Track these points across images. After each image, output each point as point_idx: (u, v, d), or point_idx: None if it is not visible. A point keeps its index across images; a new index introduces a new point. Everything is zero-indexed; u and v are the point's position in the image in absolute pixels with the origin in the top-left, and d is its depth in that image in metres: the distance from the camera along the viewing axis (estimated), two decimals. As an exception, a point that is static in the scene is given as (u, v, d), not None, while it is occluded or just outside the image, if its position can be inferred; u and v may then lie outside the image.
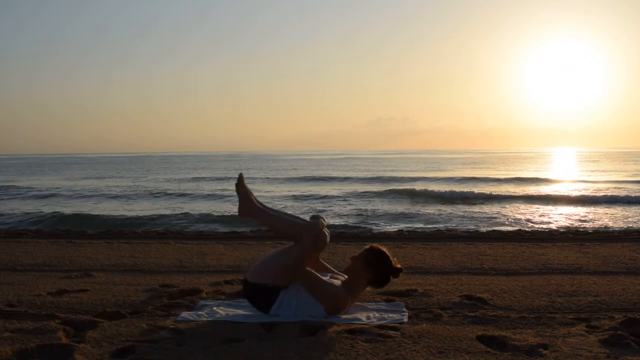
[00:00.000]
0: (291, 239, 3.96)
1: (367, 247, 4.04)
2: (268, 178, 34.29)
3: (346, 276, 4.03)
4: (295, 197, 21.96)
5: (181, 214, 16.96)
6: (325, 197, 22.06)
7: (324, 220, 3.94)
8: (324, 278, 3.90)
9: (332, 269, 4.27)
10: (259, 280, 3.82)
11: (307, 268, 3.87)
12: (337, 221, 14.71)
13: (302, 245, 3.82)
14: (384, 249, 3.99)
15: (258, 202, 4.12)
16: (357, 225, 13.61)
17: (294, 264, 3.79)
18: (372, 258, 3.93)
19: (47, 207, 18.96)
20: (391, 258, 3.97)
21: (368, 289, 4.07)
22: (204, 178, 35.95)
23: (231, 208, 18.66)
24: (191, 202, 21.37)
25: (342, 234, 8.89)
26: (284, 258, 3.84)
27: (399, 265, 3.99)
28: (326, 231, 3.90)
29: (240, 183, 4.11)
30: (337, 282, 3.95)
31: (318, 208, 18.53)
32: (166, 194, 24.46)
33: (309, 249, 3.83)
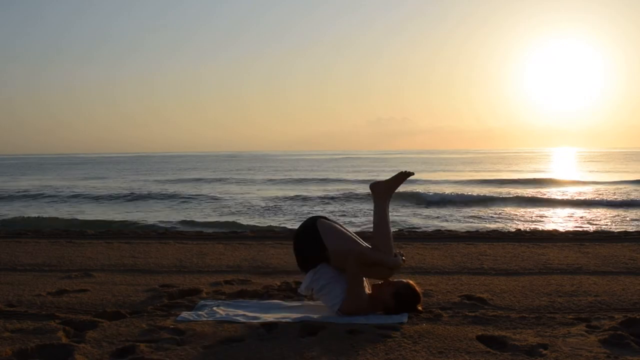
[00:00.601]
0: (376, 247, 3.96)
1: (405, 281, 3.98)
2: (272, 180, 34.03)
3: (371, 289, 4.02)
4: (301, 198, 21.81)
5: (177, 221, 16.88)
6: (323, 197, 22.06)
7: (403, 262, 4.04)
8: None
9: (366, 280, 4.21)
10: (326, 239, 3.89)
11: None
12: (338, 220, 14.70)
13: (380, 259, 3.89)
14: (419, 292, 3.95)
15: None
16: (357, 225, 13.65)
17: (359, 255, 3.84)
18: (404, 296, 3.89)
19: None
20: (419, 293, 3.95)
21: (380, 312, 4.01)
22: (203, 179, 35.76)
23: (231, 209, 18.67)
24: (188, 203, 21.36)
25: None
26: (362, 248, 3.92)
27: (420, 308, 3.96)
28: (395, 271, 4.00)
29: (403, 176, 4.13)
30: (365, 290, 3.96)
31: (316, 209, 18.52)
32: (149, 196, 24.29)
33: (378, 265, 3.90)
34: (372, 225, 4.14)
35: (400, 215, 16.21)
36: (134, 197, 22.63)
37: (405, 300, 3.87)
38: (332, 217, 4.13)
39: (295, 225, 13.67)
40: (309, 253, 3.94)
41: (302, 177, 35.96)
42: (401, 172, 4.15)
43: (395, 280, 3.99)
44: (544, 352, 3.14)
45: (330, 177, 35.46)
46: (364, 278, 3.97)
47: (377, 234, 4.01)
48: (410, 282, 3.99)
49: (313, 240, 3.91)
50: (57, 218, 15.79)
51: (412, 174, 4.18)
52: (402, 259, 4.00)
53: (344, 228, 4.08)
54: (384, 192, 4.13)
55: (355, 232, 4.22)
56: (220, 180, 34.51)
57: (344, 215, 16.35)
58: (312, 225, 3.97)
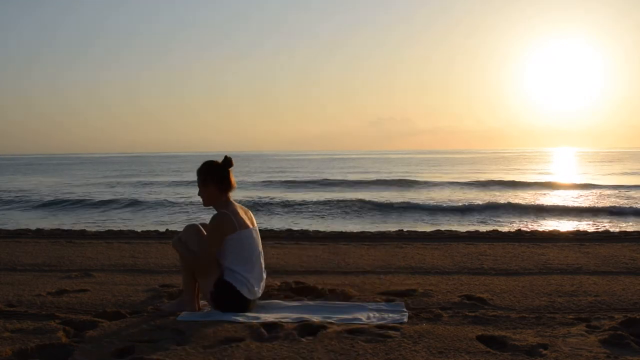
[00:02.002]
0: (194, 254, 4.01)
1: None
2: (287, 181, 33.10)
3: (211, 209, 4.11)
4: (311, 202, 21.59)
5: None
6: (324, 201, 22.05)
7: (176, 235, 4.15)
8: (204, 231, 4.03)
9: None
10: (207, 296, 3.95)
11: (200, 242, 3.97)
12: (338, 220, 14.73)
13: (187, 261, 3.99)
14: (205, 161, 4.09)
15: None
16: (358, 224, 13.65)
17: (204, 249, 3.92)
18: (202, 173, 4.02)
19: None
20: (213, 161, 4.07)
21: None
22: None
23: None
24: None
25: (343, 234, 8.90)
26: (198, 275, 3.98)
27: (223, 159, 4.07)
28: (185, 229, 4.08)
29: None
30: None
31: (315, 209, 18.52)
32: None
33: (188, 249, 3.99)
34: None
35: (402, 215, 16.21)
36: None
37: (207, 174, 4.00)
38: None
39: (292, 225, 13.68)
40: (227, 294, 3.92)
41: (289, 179, 34.95)
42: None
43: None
44: (544, 352, 3.14)
45: (329, 178, 35.10)
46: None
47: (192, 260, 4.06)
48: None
49: (224, 294, 3.91)
50: None
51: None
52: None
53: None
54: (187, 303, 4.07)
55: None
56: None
57: (343, 215, 16.36)
58: (215, 300, 3.96)
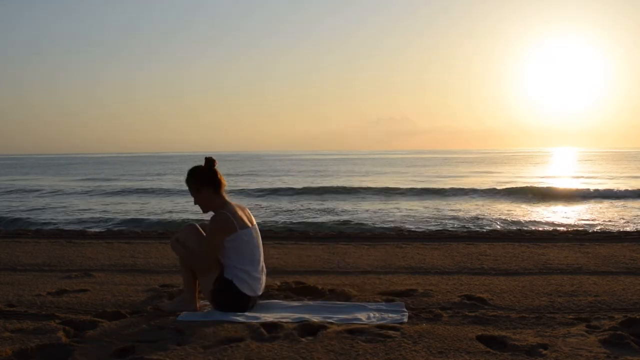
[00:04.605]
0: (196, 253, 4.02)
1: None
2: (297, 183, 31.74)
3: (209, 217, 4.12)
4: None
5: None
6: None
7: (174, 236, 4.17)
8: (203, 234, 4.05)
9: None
10: (208, 295, 3.96)
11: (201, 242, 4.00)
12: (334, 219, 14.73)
13: (186, 259, 4.01)
14: (190, 169, 4.10)
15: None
16: (359, 224, 13.65)
17: (205, 250, 3.92)
18: (191, 180, 4.02)
19: None
20: (198, 166, 4.07)
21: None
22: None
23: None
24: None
25: (343, 234, 8.90)
26: (197, 272, 4.01)
27: (207, 158, 4.08)
28: (183, 229, 4.12)
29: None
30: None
31: (317, 207, 18.51)
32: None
33: (188, 247, 4.01)
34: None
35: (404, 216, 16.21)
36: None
37: (194, 179, 4.00)
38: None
39: (289, 225, 13.68)
40: (227, 293, 3.93)
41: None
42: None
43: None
44: (544, 352, 3.14)
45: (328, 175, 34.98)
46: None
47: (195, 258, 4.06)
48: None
49: (224, 296, 3.92)
50: None
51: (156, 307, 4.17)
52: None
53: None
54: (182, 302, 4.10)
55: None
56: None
57: (340, 214, 16.36)
58: (214, 299, 3.98)
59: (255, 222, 4.15)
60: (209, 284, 3.93)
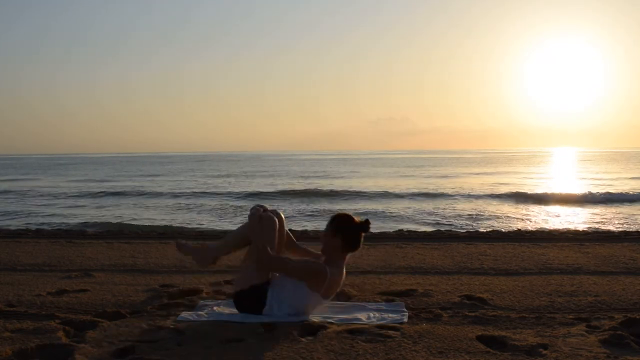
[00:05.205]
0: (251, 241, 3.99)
1: (330, 218, 4.05)
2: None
3: (324, 257, 4.02)
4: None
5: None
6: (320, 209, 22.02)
7: (261, 207, 4.03)
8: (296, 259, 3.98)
9: (312, 251, 4.25)
10: (239, 288, 3.89)
11: (280, 256, 3.95)
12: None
13: (253, 237, 3.92)
14: (345, 212, 4.02)
15: (205, 244, 4.20)
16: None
17: (258, 257, 3.83)
18: (340, 224, 3.93)
19: None
20: (353, 217, 3.98)
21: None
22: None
23: (230, 207, 18.69)
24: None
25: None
26: (249, 259, 3.92)
27: (364, 220, 3.98)
28: (270, 213, 3.98)
29: (180, 249, 4.20)
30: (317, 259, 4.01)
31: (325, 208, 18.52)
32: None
33: (259, 236, 3.88)
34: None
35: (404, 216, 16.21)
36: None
37: (340, 226, 3.91)
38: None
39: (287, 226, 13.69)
40: (256, 304, 3.85)
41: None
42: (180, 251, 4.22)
43: (326, 228, 4.02)
44: (544, 352, 3.14)
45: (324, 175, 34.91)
46: (303, 255, 4.08)
47: (240, 245, 4.09)
48: (335, 215, 4.05)
49: (245, 299, 3.86)
50: None
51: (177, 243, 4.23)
52: (257, 207, 4.02)
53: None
54: (205, 256, 4.12)
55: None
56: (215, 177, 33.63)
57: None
58: (235, 299, 3.93)
59: (332, 295, 4.00)
60: (247, 279, 3.84)
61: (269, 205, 4.22)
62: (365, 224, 3.96)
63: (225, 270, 5.58)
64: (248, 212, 4.07)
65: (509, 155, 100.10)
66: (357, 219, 3.98)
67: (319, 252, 4.10)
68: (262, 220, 3.91)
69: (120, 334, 3.48)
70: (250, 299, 3.84)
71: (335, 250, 3.94)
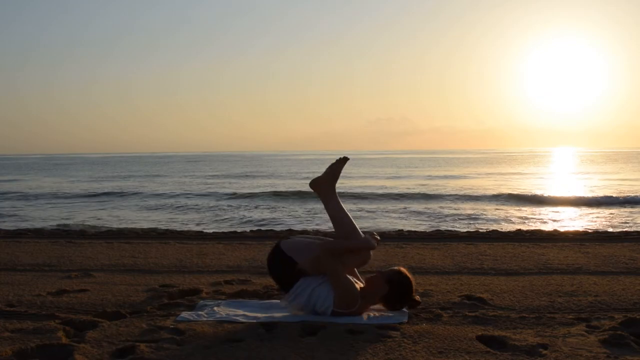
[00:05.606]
0: (342, 236, 3.98)
1: (396, 268, 3.98)
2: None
3: (364, 283, 3.99)
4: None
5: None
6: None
7: (377, 242, 4.00)
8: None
9: (357, 274, 4.17)
10: (293, 255, 3.87)
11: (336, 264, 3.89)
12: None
13: (347, 245, 3.90)
14: (411, 278, 3.93)
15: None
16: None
17: (326, 250, 3.82)
18: (397, 280, 3.87)
19: None
20: (414, 288, 3.92)
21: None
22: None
23: (230, 205, 18.68)
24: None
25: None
26: (326, 243, 3.91)
27: (418, 298, 3.95)
28: (371, 253, 3.98)
29: (340, 164, 4.15)
30: (357, 285, 3.94)
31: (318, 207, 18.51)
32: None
33: (350, 252, 3.89)
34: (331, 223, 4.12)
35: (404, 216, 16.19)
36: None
37: (397, 286, 3.85)
38: (297, 234, 4.05)
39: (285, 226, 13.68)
40: (285, 275, 3.89)
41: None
42: (338, 160, 4.17)
43: (387, 269, 3.99)
44: (544, 352, 3.14)
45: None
46: (351, 275, 3.97)
47: (337, 225, 4.05)
48: (401, 268, 3.99)
49: (283, 263, 3.88)
50: None
51: (348, 159, 4.20)
52: (376, 238, 4.00)
53: (309, 238, 4.06)
54: (327, 186, 4.14)
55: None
56: (213, 176, 33.88)
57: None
58: (277, 249, 3.96)
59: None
60: (308, 260, 3.83)
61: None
62: (416, 303, 3.92)
63: (224, 270, 5.59)
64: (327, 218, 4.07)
65: (508, 155, 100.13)
66: (415, 291, 3.92)
67: (362, 283, 4.05)
68: (365, 249, 3.93)
69: (120, 334, 3.48)
70: (288, 270, 3.86)
71: (376, 292, 3.89)
